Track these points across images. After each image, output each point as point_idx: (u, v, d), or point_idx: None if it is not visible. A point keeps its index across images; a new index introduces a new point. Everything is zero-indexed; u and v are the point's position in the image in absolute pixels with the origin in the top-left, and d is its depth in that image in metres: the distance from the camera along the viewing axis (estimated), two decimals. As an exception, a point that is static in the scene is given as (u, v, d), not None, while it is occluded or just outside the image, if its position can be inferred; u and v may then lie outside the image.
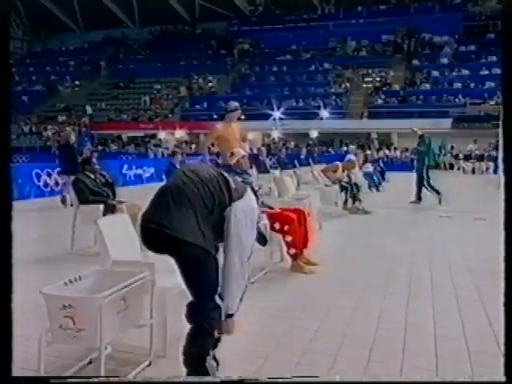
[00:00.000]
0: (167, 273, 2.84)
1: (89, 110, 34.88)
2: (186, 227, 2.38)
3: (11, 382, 1.90)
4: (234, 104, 6.68)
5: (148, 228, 2.46)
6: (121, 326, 2.70)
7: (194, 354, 2.47)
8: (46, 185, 12.90)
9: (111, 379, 2.64)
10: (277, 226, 5.28)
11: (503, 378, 1.91)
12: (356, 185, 10.14)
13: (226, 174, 2.61)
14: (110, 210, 5.74)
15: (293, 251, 5.32)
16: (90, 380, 2.44)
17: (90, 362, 2.95)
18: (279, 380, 2.60)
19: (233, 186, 2.55)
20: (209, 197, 2.46)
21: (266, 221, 5.24)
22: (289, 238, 5.31)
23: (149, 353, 2.99)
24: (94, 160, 6.46)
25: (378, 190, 14.77)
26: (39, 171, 12.79)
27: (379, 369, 2.97)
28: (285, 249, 5.43)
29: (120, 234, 3.46)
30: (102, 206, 5.84)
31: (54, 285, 2.66)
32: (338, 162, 10.42)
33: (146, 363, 2.96)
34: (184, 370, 2.51)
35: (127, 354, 3.08)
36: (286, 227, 5.31)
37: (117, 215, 4.80)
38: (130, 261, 3.17)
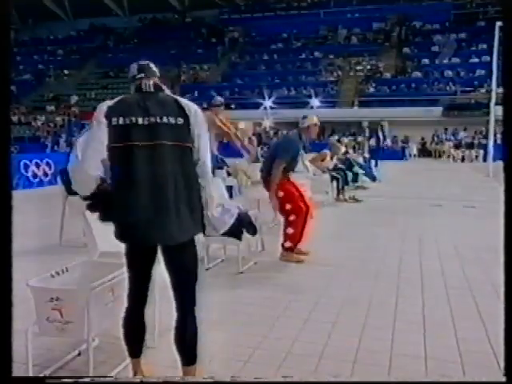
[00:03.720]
0: (157, 264, 2.82)
1: (73, 99, 34.45)
2: (178, 227, 2.29)
3: (10, 382, 1.88)
4: (219, 99, 7.21)
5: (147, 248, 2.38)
6: (109, 317, 2.68)
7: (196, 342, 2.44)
8: (35, 176, 12.79)
9: (110, 379, 2.63)
10: (288, 206, 5.23)
11: (503, 378, 1.91)
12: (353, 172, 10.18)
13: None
14: (98, 200, 5.67)
15: (288, 244, 5.27)
16: (89, 380, 2.42)
17: (79, 354, 2.93)
18: (277, 380, 2.60)
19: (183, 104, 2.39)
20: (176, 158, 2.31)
21: (256, 210, 5.27)
22: (290, 231, 5.23)
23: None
24: (83, 150, 6.38)
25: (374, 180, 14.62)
26: (27, 162, 12.66)
27: (369, 358, 2.98)
28: (280, 239, 5.36)
29: (108, 225, 3.42)
30: (91, 197, 5.77)
31: (40, 277, 2.64)
32: (326, 151, 10.41)
33: (136, 354, 2.95)
34: (179, 360, 2.47)
35: (116, 346, 3.05)
36: (292, 217, 5.23)
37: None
38: (118, 252, 3.13)
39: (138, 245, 2.40)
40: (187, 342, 2.42)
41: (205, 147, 2.38)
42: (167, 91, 2.47)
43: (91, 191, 2.33)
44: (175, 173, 2.28)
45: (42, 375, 2.68)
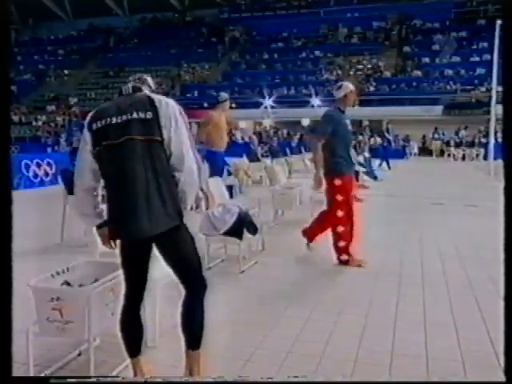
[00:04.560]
0: (156, 263, 2.81)
1: (72, 101, 34.46)
2: (152, 217, 2.31)
3: (11, 382, 1.90)
4: (224, 95, 7.33)
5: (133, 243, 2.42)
6: (110, 317, 2.68)
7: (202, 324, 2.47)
8: (36, 175, 12.80)
9: (110, 379, 2.64)
10: (339, 214, 4.88)
11: (503, 378, 1.91)
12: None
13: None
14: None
15: (345, 258, 4.95)
16: (90, 380, 2.43)
17: (80, 354, 2.93)
18: (278, 380, 2.60)
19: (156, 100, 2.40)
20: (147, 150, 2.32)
21: (256, 209, 5.27)
22: (342, 244, 4.94)
23: (139, 344, 2.97)
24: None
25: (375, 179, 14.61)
26: (28, 162, 12.68)
27: (369, 357, 2.98)
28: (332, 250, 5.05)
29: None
30: (91, 197, 5.78)
31: (41, 277, 2.64)
32: None
33: (137, 354, 2.94)
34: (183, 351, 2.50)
35: (117, 346, 3.05)
36: (341, 228, 4.89)
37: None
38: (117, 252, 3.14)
39: (126, 240, 2.43)
40: (193, 325, 2.46)
41: (178, 140, 2.36)
42: (146, 91, 2.51)
43: (93, 211, 2.47)
44: (146, 167, 2.31)
45: (42, 375, 2.68)
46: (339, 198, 4.87)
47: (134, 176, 2.30)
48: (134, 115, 2.33)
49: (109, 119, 2.35)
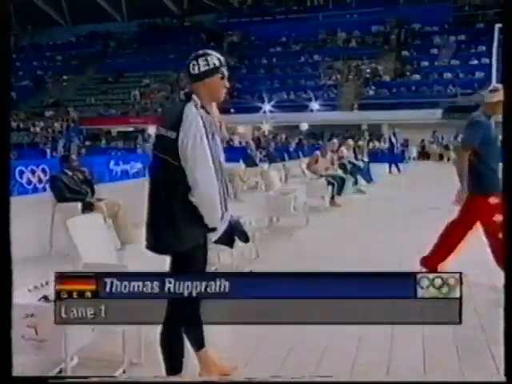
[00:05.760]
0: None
1: (71, 110, 34.47)
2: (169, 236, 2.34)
3: (11, 381, 1.87)
4: None
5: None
6: (90, 334, 2.56)
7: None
8: (29, 182, 12.70)
9: (110, 379, 2.58)
10: (498, 218, 4.10)
11: (503, 378, 1.86)
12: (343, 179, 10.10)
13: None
14: (88, 208, 5.58)
15: None
16: (89, 380, 2.33)
17: (61, 372, 2.80)
18: (277, 380, 2.52)
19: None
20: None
21: (250, 216, 5.15)
22: None
23: (123, 360, 2.86)
24: (73, 156, 6.28)
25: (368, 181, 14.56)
26: (23, 168, 12.58)
27: (368, 357, 2.97)
28: None
29: (92, 234, 3.32)
30: (80, 204, 5.68)
31: (17, 291, 2.51)
32: (317, 152, 10.36)
33: (121, 371, 2.83)
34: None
35: (100, 362, 2.94)
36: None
37: (89, 215, 4.67)
38: (101, 263, 3.02)
39: None
40: (170, 351, 2.43)
41: (192, 167, 2.25)
42: (194, 101, 2.33)
43: None
44: (164, 184, 2.31)
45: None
46: (499, 218, 4.01)
47: (154, 193, 2.35)
48: (168, 133, 2.30)
49: (158, 126, 2.42)
